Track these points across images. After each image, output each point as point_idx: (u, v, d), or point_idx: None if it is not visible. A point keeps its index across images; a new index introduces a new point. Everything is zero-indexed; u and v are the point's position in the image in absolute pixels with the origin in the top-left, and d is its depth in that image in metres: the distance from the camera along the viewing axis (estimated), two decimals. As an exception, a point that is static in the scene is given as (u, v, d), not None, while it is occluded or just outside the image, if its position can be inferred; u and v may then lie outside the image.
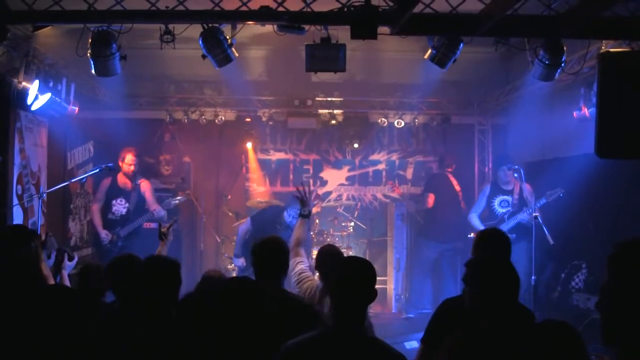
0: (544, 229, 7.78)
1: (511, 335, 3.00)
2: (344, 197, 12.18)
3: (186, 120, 11.24)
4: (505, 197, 8.94)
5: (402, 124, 11.37)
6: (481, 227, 8.69)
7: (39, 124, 8.79)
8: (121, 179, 8.75)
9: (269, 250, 4.26)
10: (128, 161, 8.65)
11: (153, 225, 9.86)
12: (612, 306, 2.49)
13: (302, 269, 4.87)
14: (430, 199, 10.09)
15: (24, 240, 4.78)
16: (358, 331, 3.12)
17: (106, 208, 8.74)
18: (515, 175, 8.55)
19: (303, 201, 5.79)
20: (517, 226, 8.61)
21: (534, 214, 7.84)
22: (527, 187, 8.76)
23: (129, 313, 3.95)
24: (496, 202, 8.99)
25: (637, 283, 2.53)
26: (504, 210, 8.90)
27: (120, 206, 8.68)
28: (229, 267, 10.27)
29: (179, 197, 9.42)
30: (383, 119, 11.35)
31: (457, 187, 10.25)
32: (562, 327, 2.93)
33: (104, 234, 8.54)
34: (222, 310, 3.35)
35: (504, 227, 8.54)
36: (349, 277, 3.19)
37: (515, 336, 3.00)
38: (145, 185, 8.90)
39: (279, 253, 4.27)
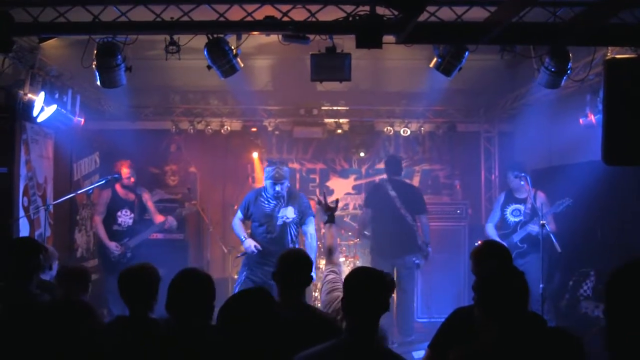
0: (552, 236, 7.71)
1: (517, 347, 2.99)
2: (351, 206, 12.15)
3: (192, 131, 11.26)
4: (518, 205, 8.63)
5: (408, 132, 11.36)
6: (496, 238, 8.33)
7: (45, 135, 8.81)
8: (122, 190, 8.72)
9: (291, 263, 4.28)
10: (125, 174, 8.63)
11: (160, 235, 9.90)
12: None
13: (334, 279, 4.86)
14: (366, 215, 9.44)
15: (32, 253, 4.78)
16: (370, 342, 3.12)
17: (110, 220, 8.69)
18: (522, 182, 8.39)
19: (326, 207, 5.68)
20: (528, 237, 8.35)
21: (541, 222, 7.68)
22: (541, 196, 8.46)
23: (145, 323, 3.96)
24: (508, 211, 8.70)
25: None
26: (516, 220, 8.59)
27: (126, 217, 8.65)
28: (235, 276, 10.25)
29: (187, 208, 9.40)
30: (389, 128, 11.34)
31: (398, 201, 9.23)
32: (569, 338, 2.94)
33: (114, 246, 8.49)
34: (240, 321, 3.34)
35: (516, 237, 8.37)
36: (359, 289, 3.21)
37: (521, 348, 2.99)
38: (146, 196, 8.89)
39: (301, 266, 4.29)
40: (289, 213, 7.56)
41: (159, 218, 8.98)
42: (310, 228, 7.64)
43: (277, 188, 7.44)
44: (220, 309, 3.26)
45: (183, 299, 3.75)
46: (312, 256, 6.61)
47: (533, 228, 8.15)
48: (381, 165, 11.73)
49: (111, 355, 3.80)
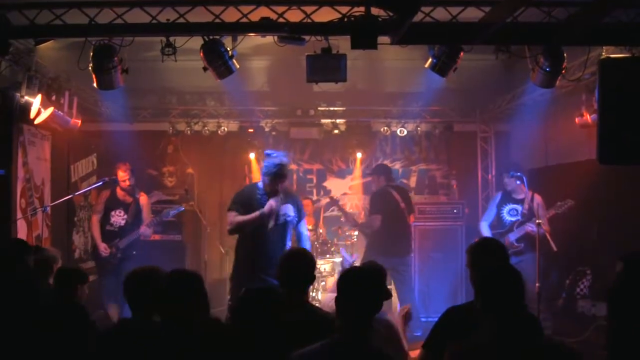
0: (547, 235, 7.72)
1: (514, 342, 3.02)
2: (348, 206, 12.15)
3: (189, 132, 11.27)
4: (515, 205, 8.57)
5: (405, 132, 11.37)
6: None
7: (42, 137, 8.82)
8: (120, 192, 8.67)
9: (294, 262, 4.30)
10: (121, 177, 8.54)
11: (157, 237, 9.90)
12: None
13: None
14: (377, 221, 9.17)
15: (19, 256, 4.79)
16: (362, 342, 3.12)
17: (105, 220, 8.62)
18: (518, 182, 8.38)
19: None
20: (525, 236, 8.26)
21: (537, 221, 7.67)
22: (537, 199, 8.35)
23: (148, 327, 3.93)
24: (505, 210, 8.65)
25: None
26: (512, 219, 8.54)
27: (119, 218, 8.59)
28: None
29: (176, 209, 9.29)
30: (386, 128, 11.37)
31: (402, 204, 9.35)
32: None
33: (103, 248, 8.40)
34: (245, 319, 3.35)
35: (512, 236, 8.33)
36: (352, 288, 3.21)
37: (518, 343, 3.02)
38: (143, 199, 8.80)
39: (304, 265, 4.32)
40: (290, 211, 6.67)
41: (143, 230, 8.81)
42: (305, 229, 6.94)
43: (277, 186, 6.53)
44: (233, 308, 3.27)
45: (171, 300, 3.75)
46: None
47: (531, 228, 8.02)
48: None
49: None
